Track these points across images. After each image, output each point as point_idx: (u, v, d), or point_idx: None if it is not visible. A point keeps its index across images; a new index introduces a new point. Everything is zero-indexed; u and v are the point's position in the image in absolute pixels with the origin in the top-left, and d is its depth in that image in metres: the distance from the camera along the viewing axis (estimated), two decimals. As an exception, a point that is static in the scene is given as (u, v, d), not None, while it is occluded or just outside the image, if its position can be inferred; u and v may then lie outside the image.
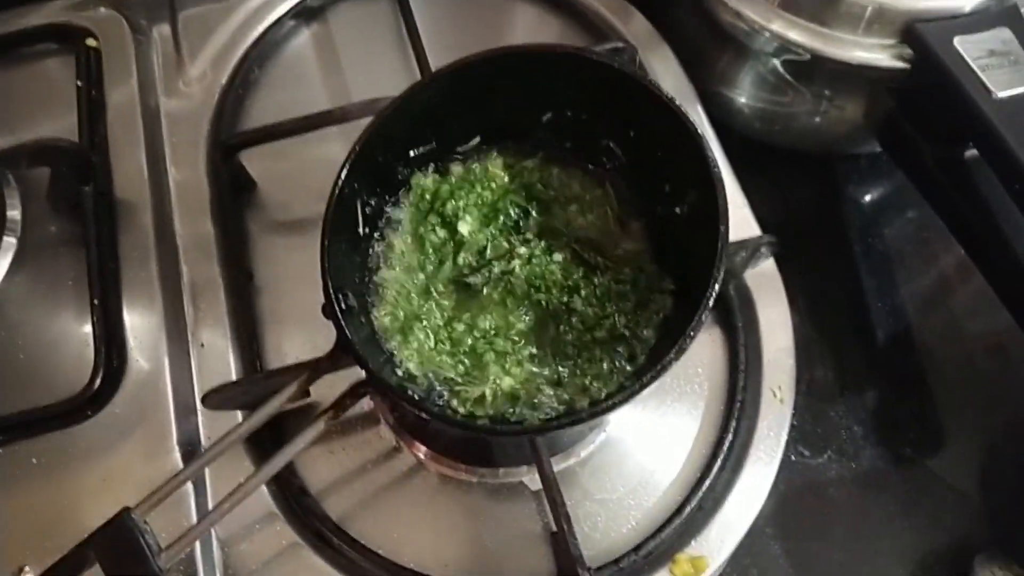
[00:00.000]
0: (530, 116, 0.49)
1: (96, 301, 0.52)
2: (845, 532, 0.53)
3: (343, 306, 0.40)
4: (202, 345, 0.51)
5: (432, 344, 0.44)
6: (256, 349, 0.52)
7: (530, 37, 0.67)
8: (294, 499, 0.47)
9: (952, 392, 0.59)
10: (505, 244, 0.48)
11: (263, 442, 0.48)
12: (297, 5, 0.66)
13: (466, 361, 0.44)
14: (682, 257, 0.45)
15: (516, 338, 0.45)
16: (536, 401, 0.43)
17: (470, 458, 0.48)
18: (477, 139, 0.50)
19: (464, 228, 0.47)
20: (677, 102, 0.42)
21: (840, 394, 0.58)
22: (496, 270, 0.47)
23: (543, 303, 0.46)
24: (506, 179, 0.49)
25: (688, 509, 0.46)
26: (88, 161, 0.56)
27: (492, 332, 0.45)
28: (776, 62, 0.60)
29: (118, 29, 0.65)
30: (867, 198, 0.68)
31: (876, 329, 0.62)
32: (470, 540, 0.46)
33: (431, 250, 0.47)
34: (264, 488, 0.46)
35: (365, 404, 0.50)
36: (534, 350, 0.45)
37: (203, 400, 0.46)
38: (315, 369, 0.42)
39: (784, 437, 0.48)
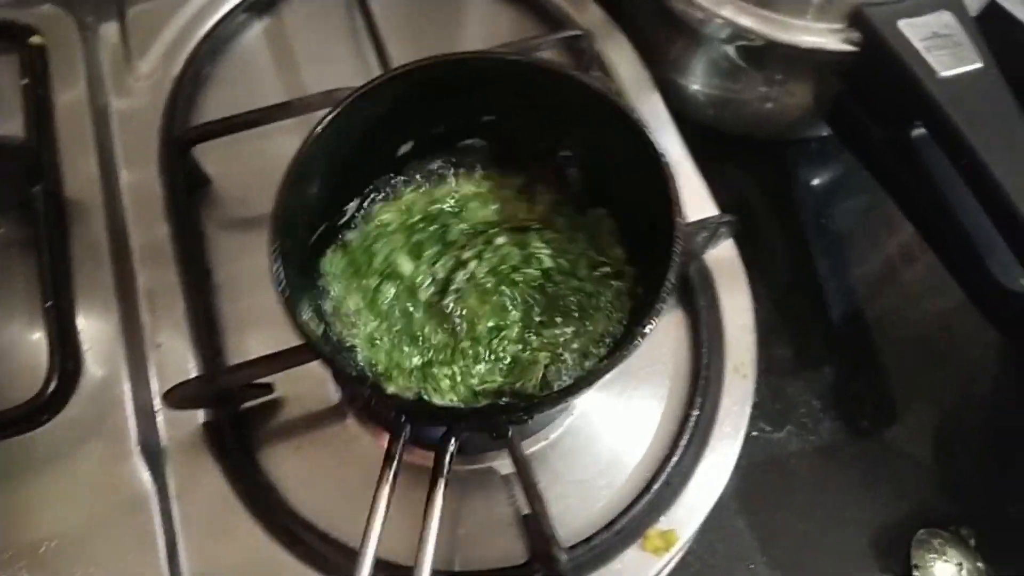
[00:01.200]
0: (468, 119, 0.49)
1: (49, 304, 0.50)
2: (807, 504, 0.54)
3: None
4: (159, 345, 0.50)
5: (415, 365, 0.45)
6: (216, 347, 0.50)
7: (486, 27, 0.67)
8: (261, 497, 0.46)
9: (907, 367, 0.61)
10: (452, 257, 0.48)
11: (226, 441, 0.47)
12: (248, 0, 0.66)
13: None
14: (643, 234, 0.45)
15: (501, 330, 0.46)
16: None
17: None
18: (410, 144, 0.50)
19: (406, 269, 0.48)
20: (611, 97, 0.44)
21: (798, 371, 0.59)
22: (462, 281, 0.47)
23: (521, 284, 0.47)
24: (398, 220, 0.49)
25: (656, 486, 0.46)
26: (38, 160, 0.55)
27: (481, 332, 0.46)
28: (728, 48, 0.61)
29: (64, 26, 0.63)
30: (818, 181, 0.70)
31: (830, 308, 0.63)
32: (443, 528, 0.46)
33: (387, 308, 0.47)
34: (229, 488, 0.46)
35: (331, 397, 0.50)
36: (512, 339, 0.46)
37: (164, 397, 0.45)
38: (281, 361, 0.42)
39: (748, 411, 0.49)
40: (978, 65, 0.55)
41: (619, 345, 0.41)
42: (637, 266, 0.47)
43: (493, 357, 0.45)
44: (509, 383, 0.45)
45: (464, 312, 0.46)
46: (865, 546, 0.53)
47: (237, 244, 0.55)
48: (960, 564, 0.51)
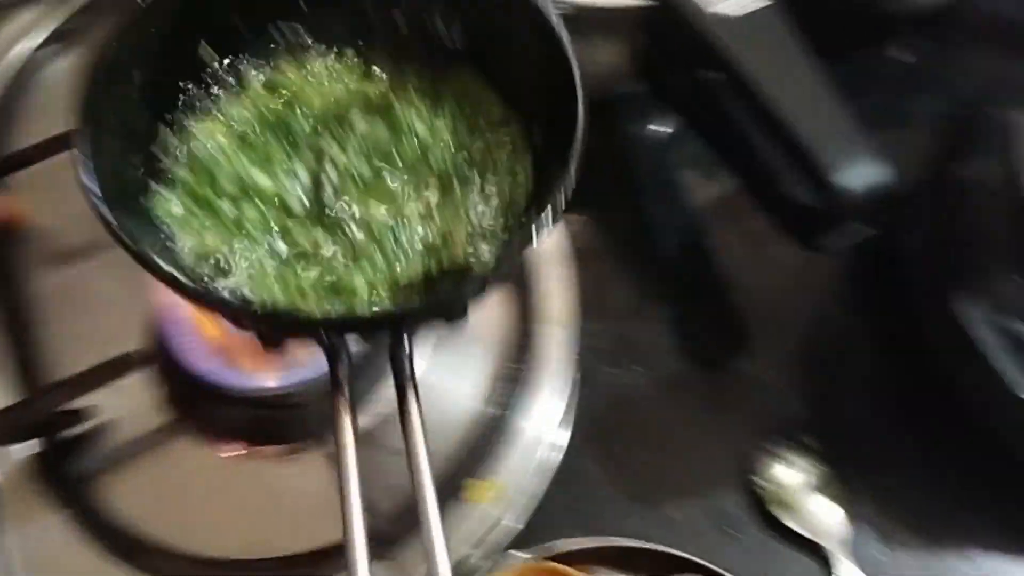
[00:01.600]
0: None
1: None
2: (659, 438, 0.55)
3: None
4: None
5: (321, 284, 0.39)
6: (39, 380, 0.49)
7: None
8: (102, 524, 0.45)
9: (750, 299, 0.63)
10: (308, 152, 0.41)
11: (59, 472, 0.46)
12: (54, 32, 0.64)
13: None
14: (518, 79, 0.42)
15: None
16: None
17: (276, 440, 0.48)
18: (213, 43, 0.42)
19: (263, 183, 0.40)
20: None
21: (641, 314, 0.60)
22: (333, 179, 0.41)
23: (401, 162, 0.42)
24: (226, 135, 0.42)
25: (484, 440, 0.48)
26: None
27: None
28: (542, 18, 0.63)
29: None
30: (651, 131, 0.72)
31: (670, 251, 0.65)
32: (292, 518, 0.46)
33: (259, 233, 0.39)
34: (68, 520, 0.45)
35: (163, 415, 0.49)
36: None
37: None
38: (97, 376, 0.41)
39: (572, 359, 0.50)
40: (766, 3, 0.58)
41: (549, 182, 0.36)
42: (522, 112, 0.43)
43: (404, 250, 0.40)
44: (435, 263, 0.39)
45: (351, 210, 0.40)
46: (716, 468, 0.54)
47: (59, 274, 0.54)
48: (804, 469, 0.54)
